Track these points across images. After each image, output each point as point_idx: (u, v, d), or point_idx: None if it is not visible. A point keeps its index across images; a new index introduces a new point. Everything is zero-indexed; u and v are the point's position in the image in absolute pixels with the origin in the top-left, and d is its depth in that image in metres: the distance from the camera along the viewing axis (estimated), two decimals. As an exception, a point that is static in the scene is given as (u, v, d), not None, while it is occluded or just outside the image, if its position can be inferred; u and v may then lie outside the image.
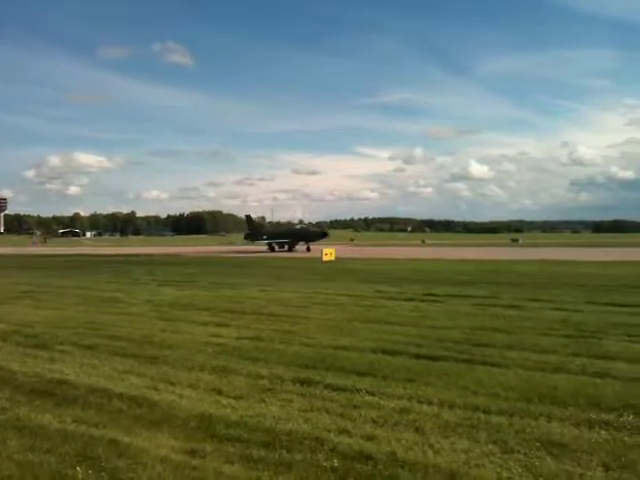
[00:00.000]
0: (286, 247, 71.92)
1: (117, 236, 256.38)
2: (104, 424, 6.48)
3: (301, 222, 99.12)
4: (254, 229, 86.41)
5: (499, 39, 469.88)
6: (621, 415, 6.55)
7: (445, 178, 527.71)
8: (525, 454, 5.54)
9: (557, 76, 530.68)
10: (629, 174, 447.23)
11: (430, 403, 7.12)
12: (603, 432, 6.07)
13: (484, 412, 6.74)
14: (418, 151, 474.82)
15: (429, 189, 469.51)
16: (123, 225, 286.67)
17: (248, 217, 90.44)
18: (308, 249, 68.32)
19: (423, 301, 17.37)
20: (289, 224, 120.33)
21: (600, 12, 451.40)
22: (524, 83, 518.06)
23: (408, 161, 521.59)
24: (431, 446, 5.76)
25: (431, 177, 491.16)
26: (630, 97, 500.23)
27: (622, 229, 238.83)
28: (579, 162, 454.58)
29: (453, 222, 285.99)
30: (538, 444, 5.76)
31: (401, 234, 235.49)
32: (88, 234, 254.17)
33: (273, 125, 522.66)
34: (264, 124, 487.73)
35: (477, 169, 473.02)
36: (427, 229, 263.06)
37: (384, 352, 9.99)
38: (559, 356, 9.61)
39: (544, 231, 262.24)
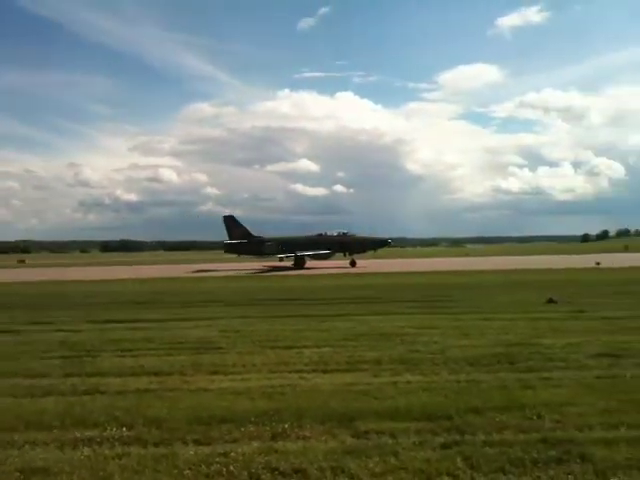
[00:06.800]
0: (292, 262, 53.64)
1: None
2: None
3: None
4: (247, 237, 55.05)
5: (5, 54, 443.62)
6: (105, 429, 6.87)
7: None
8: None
9: (66, 98, 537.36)
10: (133, 197, 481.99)
11: None
12: (86, 449, 6.28)
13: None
14: None
15: None
16: None
17: (229, 218, 56.78)
18: (353, 263, 51.95)
19: None
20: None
21: (105, 41, 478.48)
22: (32, 102, 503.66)
23: None
24: None
25: None
26: (132, 125, 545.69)
27: (128, 248, 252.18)
28: (86, 184, 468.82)
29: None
30: (18, 474, 5.59)
31: None
32: None
33: None
34: None
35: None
36: None
37: None
38: (51, 379, 9.56)
39: (53, 251, 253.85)
